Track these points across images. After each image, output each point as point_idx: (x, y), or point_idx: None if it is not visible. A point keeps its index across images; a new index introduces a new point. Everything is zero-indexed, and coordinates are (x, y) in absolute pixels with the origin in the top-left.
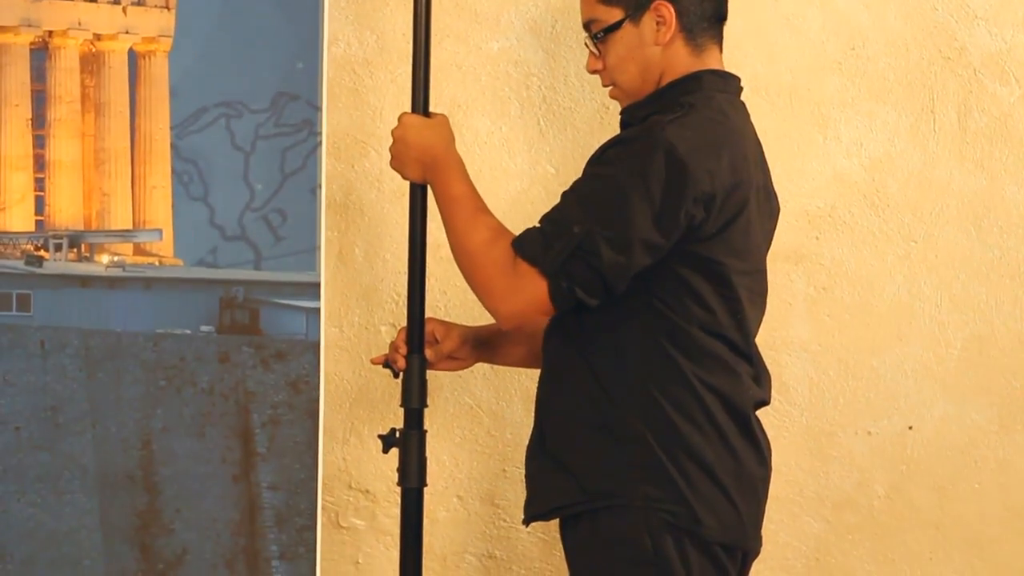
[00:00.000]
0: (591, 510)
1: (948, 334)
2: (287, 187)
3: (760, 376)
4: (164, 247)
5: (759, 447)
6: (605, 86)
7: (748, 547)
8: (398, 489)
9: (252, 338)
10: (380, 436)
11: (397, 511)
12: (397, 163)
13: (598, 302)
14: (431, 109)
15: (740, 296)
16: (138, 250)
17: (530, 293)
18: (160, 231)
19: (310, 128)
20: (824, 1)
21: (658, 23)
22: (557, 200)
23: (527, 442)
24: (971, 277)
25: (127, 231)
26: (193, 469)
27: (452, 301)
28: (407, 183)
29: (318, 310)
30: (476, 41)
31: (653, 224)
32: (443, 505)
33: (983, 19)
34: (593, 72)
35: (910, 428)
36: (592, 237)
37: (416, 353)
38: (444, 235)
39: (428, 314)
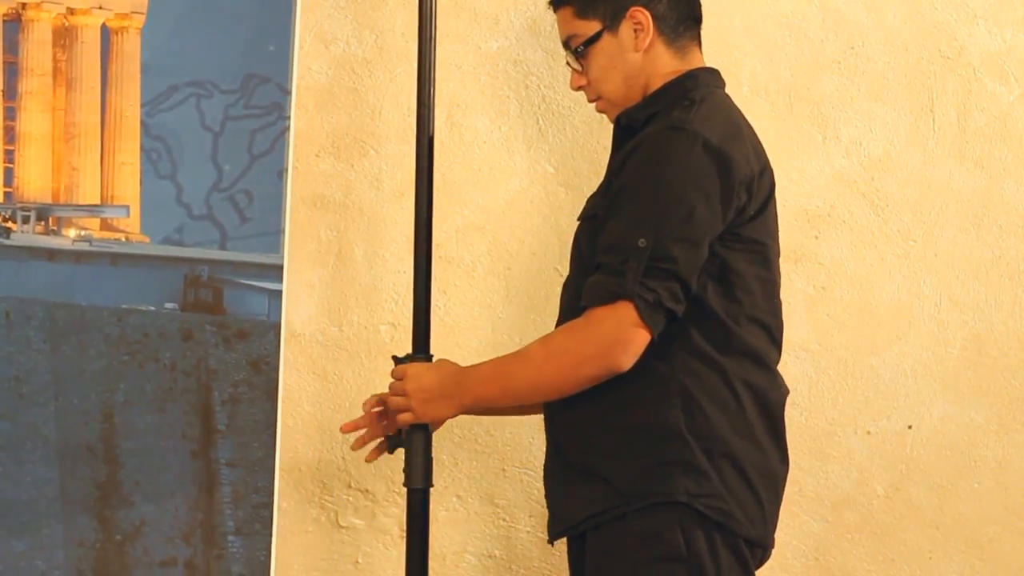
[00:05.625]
0: (620, 515)
1: (948, 334)
2: (254, 169)
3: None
4: (131, 223)
5: (782, 444)
6: (591, 101)
7: (767, 544)
8: (397, 489)
9: (215, 317)
10: (387, 436)
11: (396, 511)
12: (429, 409)
13: (684, 307)
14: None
15: (776, 279)
16: (105, 225)
17: (623, 329)
18: (127, 207)
19: (279, 111)
20: (823, 0)
21: (636, 30)
22: (556, 199)
23: (522, 443)
24: (970, 277)
25: (95, 206)
26: (153, 443)
27: (452, 301)
28: (407, 183)
29: (280, 292)
30: (475, 40)
31: (711, 215)
32: (443, 505)
33: (983, 19)
34: (577, 89)
35: (909, 427)
36: (660, 244)
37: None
38: (444, 235)
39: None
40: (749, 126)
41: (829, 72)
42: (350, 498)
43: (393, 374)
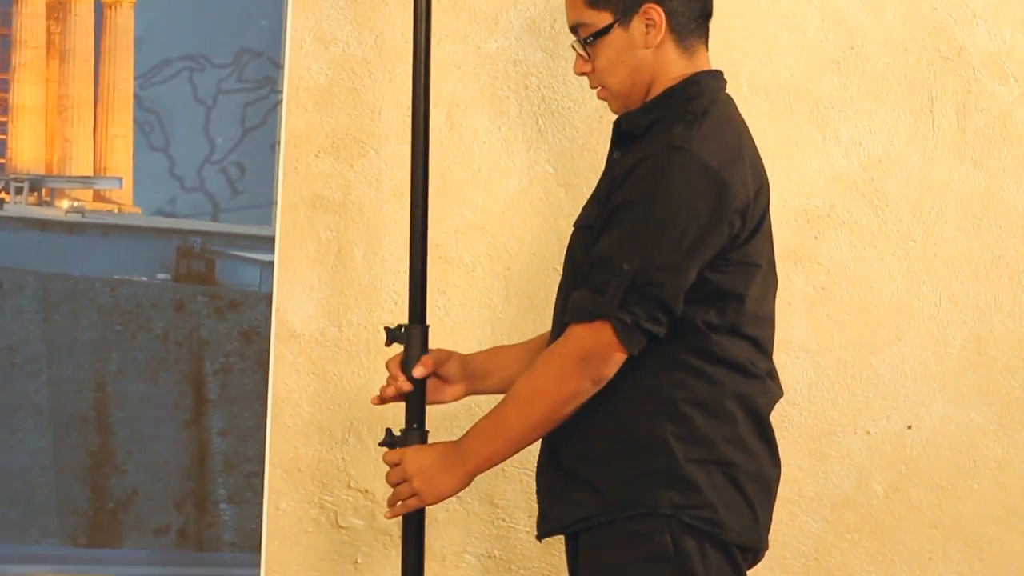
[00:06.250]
0: (610, 520)
1: (947, 334)
2: (247, 142)
3: (772, 370)
4: (124, 195)
5: (773, 448)
6: (593, 88)
7: (760, 548)
8: None
9: (207, 288)
10: (388, 435)
11: None
12: (434, 487)
13: (665, 330)
14: (431, 109)
15: (768, 293)
16: (98, 197)
17: (600, 346)
18: (120, 179)
19: (271, 85)
20: (823, 1)
21: (648, 26)
22: (556, 200)
23: (530, 450)
24: (970, 277)
25: (88, 177)
26: (146, 413)
27: (452, 301)
28: (406, 183)
29: (272, 263)
30: (475, 40)
31: (701, 242)
32: (442, 505)
33: (982, 19)
34: (581, 74)
35: (909, 428)
36: (645, 269)
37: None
38: (443, 235)
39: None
40: (749, 136)
41: (829, 72)
42: (350, 498)
43: (388, 460)
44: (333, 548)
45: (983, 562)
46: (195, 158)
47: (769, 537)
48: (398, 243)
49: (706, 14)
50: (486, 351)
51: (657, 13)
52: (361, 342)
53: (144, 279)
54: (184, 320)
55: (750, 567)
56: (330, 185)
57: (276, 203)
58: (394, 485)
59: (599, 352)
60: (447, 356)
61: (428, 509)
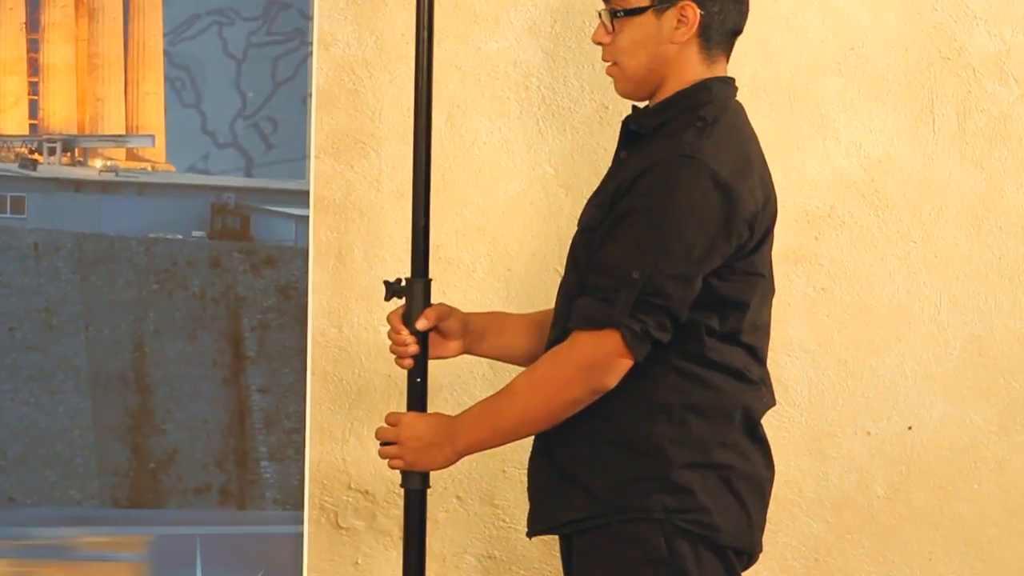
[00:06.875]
0: (604, 524)
1: (947, 335)
2: (278, 95)
3: (766, 378)
4: (156, 153)
5: (766, 449)
6: (605, 60)
7: (754, 550)
8: (397, 490)
9: (243, 244)
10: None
11: (396, 512)
12: (420, 457)
13: (670, 335)
14: (432, 109)
15: (766, 302)
16: (131, 155)
17: (606, 355)
18: (153, 137)
19: (301, 37)
20: (823, 1)
21: (680, 22)
22: (556, 201)
23: (522, 444)
24: (970, 278)
25: (120, 136)
26: (184, 371)
27: (452, 302)
28: (407, 184)
29: (307, 217)
30: (475, 41)
31: (709, 252)
32: (443, 506)
33: (982, 19)
34: (597, 43)
35: (910, 428)
36: (655, 278)
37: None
38: (444, 236)
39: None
40: (757, 145)
41: (829, 73)
42: (350, 499)
43: (388, 420)
44: (333, 549)
45: (984, 563)
46: (227, 113)
47: (770, 538)
48: (398, 244)
49: (737, 31)
50: (487, 312)
51: (693, 12)
52: (361, 343)
53: (179, 237)
54: (220, 277)
55: (745, 569)
56: (330, 186)
57: (309, 156)
58: (382, 442)
59: (603, 361)
60: (449, 311)
61: (428, 510)
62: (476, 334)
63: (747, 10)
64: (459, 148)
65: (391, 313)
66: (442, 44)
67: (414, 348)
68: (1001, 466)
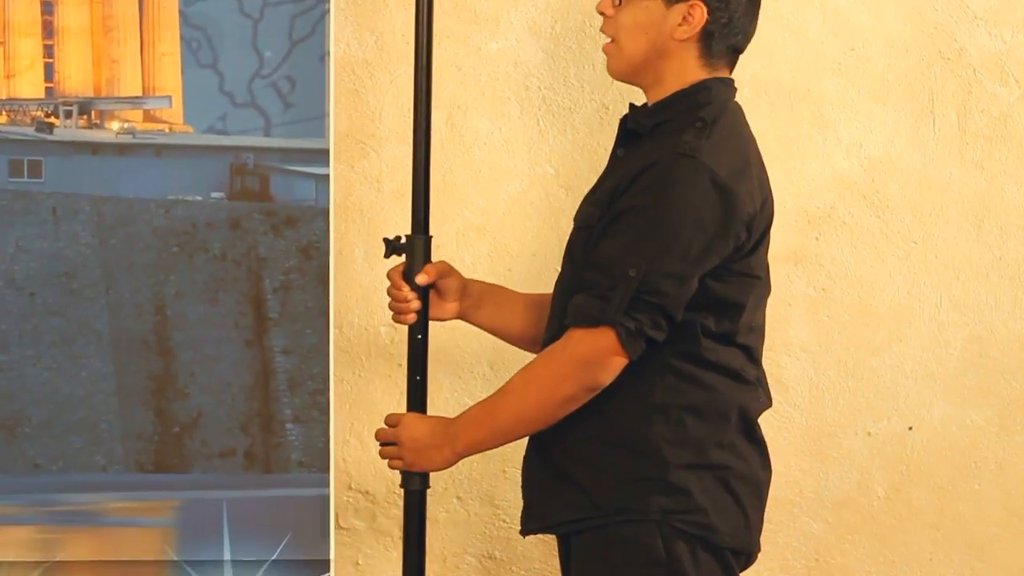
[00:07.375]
0: (602, 524)
1: (948, 335)
2: (296, 54)
3: (762, 378)
4: (174, 114)
5: (763, 450)
6: (605, 33)
7: (752, 551)
8: (398, 490)
9: (263, 204)
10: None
11: (397, 512)
12: (420, 458)
13: (665, 335)
14: (432, 110)
15: (761, 304)
16: (148, 117)
17: (601, 352)
18: (170, 97)
19: None
20: (824, 1)
21: (684, 19)
22: (557, 201)
23: (522, 444)
24: (971, 278)
25: (137, 98)
26: (207, 334)
27: None
28: (407, 184)
29: (327, 176)
30: (476, 42)
31: (707, 253)
32: (443, 506)
33: (983, 20)
34: (601, 13)
35: (910, 429)
36: (651, 277)
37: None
38: (444, 236)
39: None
40: (755, 148)
41: (829, 73)
42: (350, 499)
43: (388, 421)
44: (333, 549)
45: (984, 563)
46: (244, 73)
47: (770, 538)
48: None
49: (738, 48)
50: (488, 283)
51: (700, 13)
52: (361, 343)
53: (198, 199)
54: (241, 238)
55: (743, 569)
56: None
57: (328, 115)
58: (382, 442)
59: (598, 358)
60: (449, 269)
61: (429, 510)
62: (474, 299)
63: (753, 32)
64: (459, 148)
65: (391, 269)
66: (442, 44)
67: (416, 303)
68: (1002, 466)
